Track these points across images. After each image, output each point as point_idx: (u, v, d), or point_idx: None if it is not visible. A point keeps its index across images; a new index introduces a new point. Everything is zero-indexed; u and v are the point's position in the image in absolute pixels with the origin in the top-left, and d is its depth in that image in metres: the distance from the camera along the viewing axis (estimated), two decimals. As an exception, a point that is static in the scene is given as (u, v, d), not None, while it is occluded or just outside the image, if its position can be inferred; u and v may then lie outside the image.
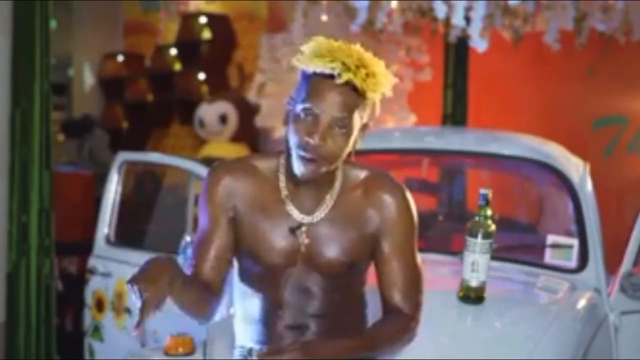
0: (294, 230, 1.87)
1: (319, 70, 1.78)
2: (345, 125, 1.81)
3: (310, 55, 1.79)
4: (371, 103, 1.85)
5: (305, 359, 1.74)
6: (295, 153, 1.82)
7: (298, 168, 1.83)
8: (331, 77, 1.77)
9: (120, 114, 8.57)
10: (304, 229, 1.88)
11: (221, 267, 1.92)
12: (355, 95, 1.80)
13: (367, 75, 1.78)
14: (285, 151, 1.91)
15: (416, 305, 1.96)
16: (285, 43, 5.72)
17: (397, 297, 1.94)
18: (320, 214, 1.90)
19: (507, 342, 2.54)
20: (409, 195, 1.96)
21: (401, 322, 1.94)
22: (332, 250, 1.90)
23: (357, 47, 1.83)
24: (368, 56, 1.82)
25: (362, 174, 1.95)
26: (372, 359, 1.93)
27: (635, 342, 3.01)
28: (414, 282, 1.96)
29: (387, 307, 1.96)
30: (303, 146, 1.80)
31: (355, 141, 1.87)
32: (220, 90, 7.51)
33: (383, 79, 1.82)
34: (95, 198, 5.31)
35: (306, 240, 1.88)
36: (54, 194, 3.95)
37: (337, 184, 1.92)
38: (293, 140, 1.82)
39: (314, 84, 1.80)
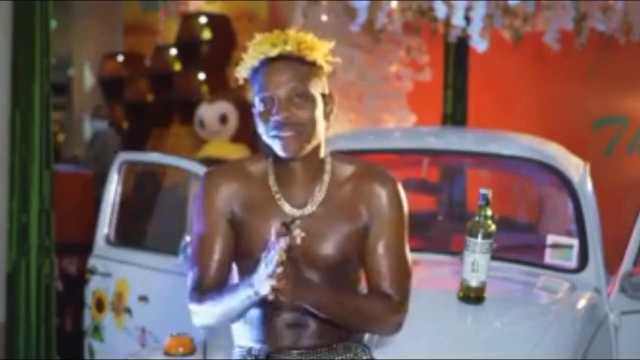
0: (287, 225, 1.88)
1: (255, 64, 1.86)
2: (302, 93, 1.85)
3: (244, 61, 1.88)
4: (320, 70, 1.89)
5: (295, 295, 1.76)
6: (271, 139, 1.86)
7: (282, 149, 1.86)
8: (269, 62, 1.85)
9: (120, 114, 8.57)
10: (297, 222, 1.88)
11: (225, 271, 1.94)
12: (300, 65, 1.86)
13: (299, 43, 1.85)
14: (271, 153, 1.93)
15: (405, 294, 1.93)
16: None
17: (386, 285, 1.92)
18: (312, 207, 1.91)
19: (507, 342, 2.54)
20: (399, 186, 1.96)
21: (391, 303, 1.91)
22: (325, 244, 1.90)
23: (281, 31, 1.90)
24: (292, 31, 1.89)
25: (352, 168, 1.97)
26: (356, 329, 1.93)
27: (635, 342, 3.02)
28: (403, 272, 1.94)
29: (376, 294, 1.94)
30: (274, 127, 1.84)
31: (328, 112, 1.91)
32: (220, 90, 7.51)
33: (314, 43, 1.87)
34: (95, 198, 5.31)
35: (302, 234, 1.89)
36: (54, 194, 3.95)
37: (327, 177, 1.93)
38: (264, 129, 1.87)
39: (259, 76, 1.87)
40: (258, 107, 1.87)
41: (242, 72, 1.90)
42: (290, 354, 1.92)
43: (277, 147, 1.86)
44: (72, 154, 7.91)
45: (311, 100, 1.86)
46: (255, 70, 1.87)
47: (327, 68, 1.90)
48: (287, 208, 1.91)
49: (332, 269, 1.91)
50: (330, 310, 1.85)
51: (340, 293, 1.88)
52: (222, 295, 1.85)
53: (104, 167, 6.48)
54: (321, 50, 1.88)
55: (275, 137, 1.85)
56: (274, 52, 1.83)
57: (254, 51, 1.86)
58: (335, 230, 1.90)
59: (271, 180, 1.94)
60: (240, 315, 1.88)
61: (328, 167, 1.94)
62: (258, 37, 1.89)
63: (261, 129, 1.88)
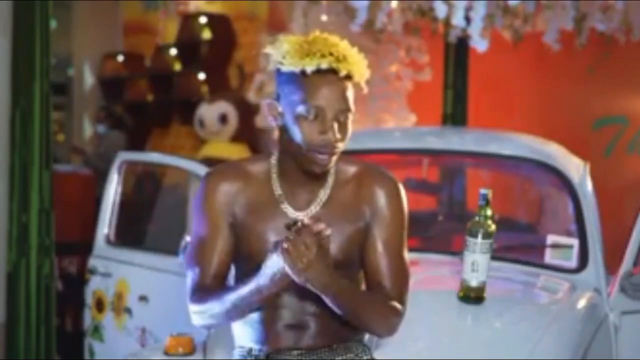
0: (290, 227, 1.87)
1: (314, 68, 1.78)
2: (347, 113, 1.84)
3: (295, 55, 1.80)
4: (355, 85, 1.87)
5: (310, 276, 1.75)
6: (308, 152, 1.83)
7: (314, 167, 1.85)
8: (324, 71, 1.79)
9: (122, 114, 8.57)
10: (300, 224, 1.88)
11: (224, 273, 1.93)
12: (345, 81, 1.83)
13: (354, 63, 1.82)
14: (277, 151, 1.92)
15: (403, 298, 1.93)
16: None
17: (384, 285, 1.92)
18: (315, 208, 1.91)
19: (507, 342, 2.54)
20: (400, 186, 1.96)
21: (391, 304, 1.91)
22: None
23: (327, 35, 1.84)
24: (342, 42, 1.84)
25: (354, 168, 1.96)
26: (354, 323, 1.91)
27: (635, 342, 3.01)
28: (401, 273, 1.94)
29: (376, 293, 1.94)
30: (319, 145, 1.82)
31: None
32: (220, 90, 7.50)
33: (364, 66, 1.84)
34: (95, 198, 5.31)
35: None
36: (54, 194, 3.95)
37: (330, 179, 1.93)
38: (305, 141, 1.82)
39: (311, 82, 1.80)
40: (300, 110, 1.81)
41: (291, 65, 1.80)
42: (291, 354, 1.92)
43: (310, 161, 1.85)
44: (79, 147, 7.92)
45: (350, 119, 1.85)
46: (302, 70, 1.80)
47: (365, 89, 1.87)
48: (290, 211, 1.91)
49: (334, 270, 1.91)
50: (337, 297, 1.81)
51: (347, 283, 1.86)
52: (224, 294, 1.85)
53: (106, 166, 6.50)
54: (365, 66, 1.85)
55: (314, 153, 1.83)
56: (342, 72, 1.79)
57: (312, 56, 1.78)
58: (337, 231, 1.89)
59: (274, 182, 1.93)
60: (241, 315, 1.88)
61: (332, 169, 1.93)
62: (302, 37, 1.83)
63: (297, 134, 1.83)
